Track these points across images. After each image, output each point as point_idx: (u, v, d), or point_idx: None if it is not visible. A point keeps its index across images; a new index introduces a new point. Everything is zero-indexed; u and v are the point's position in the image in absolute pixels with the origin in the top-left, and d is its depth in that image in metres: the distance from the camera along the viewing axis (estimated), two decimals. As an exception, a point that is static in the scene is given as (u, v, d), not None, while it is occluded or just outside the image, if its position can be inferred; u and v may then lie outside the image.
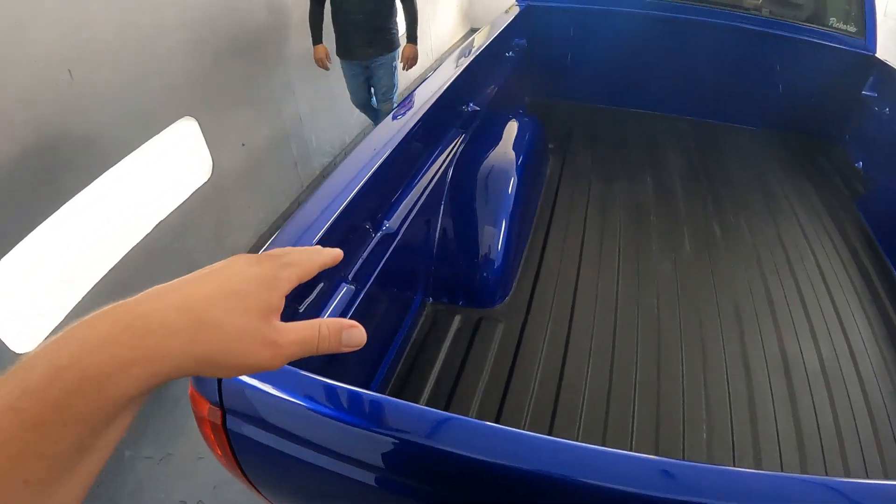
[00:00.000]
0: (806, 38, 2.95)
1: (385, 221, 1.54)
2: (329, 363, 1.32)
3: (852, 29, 2.96)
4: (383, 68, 3.54)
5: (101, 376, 0.32)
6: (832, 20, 2.98)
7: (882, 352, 1.90)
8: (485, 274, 1.86)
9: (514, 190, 1.96)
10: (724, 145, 3.08)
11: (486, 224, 1.89)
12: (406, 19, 3.53)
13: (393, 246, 1.54)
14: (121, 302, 0.35)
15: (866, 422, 1.64)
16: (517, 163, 2.06)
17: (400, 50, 3.61)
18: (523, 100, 3.24)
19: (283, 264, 0.43)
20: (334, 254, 0.50)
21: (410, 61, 3.60)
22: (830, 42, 2.95)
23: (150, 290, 0.37)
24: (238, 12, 3.17)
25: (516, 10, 2.95)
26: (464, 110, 2.14)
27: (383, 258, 1.50)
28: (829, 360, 1.83)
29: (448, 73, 2.00)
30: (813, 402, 1.68)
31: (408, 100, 1.83)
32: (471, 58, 2.14)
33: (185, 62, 2.81)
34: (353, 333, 0.44)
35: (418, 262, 1.82)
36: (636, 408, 1.60)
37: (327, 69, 3.53)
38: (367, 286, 1.42)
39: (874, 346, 1.91)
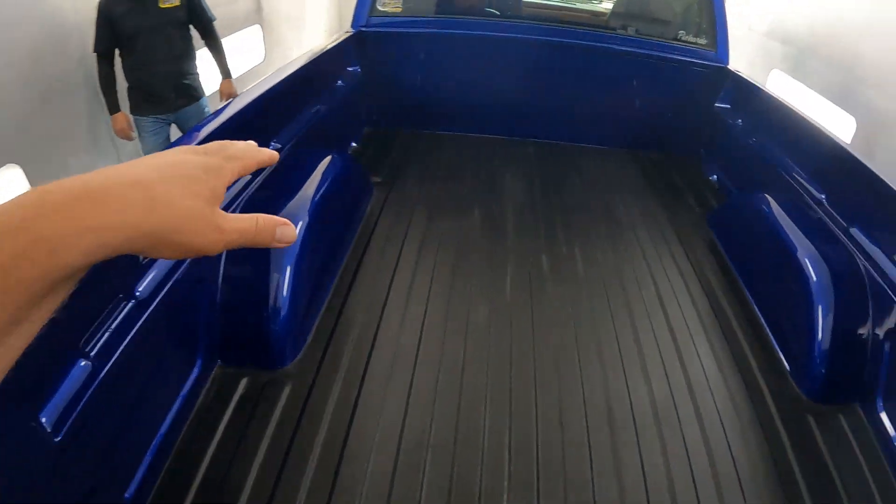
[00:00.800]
0: (657, 53, 2.89)
1: (139, 283, 1.35)
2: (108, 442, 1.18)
3: (703, 41, 2.93)
4: (195, 118, 3.23)
5: (55, 240, 0.31)
6: (681, 33, 2.95)
7: (727, 384, 1.75)
8: (271, 329, 1.67)
9: (303, 233, 1.78)
10: (570, 168, 2.95)
11: (272, 273, 1.71)
12: (214, 56, 3.27)
13: (153, 307, 1.34)
14: (72, 177, 0.34)
15: (706, 469, 1.48)
16: (312, 202, 1.87)
17: (211, 93, 3.30)
18: (360, 130, 3.06)
19: (227, 156, 0.44)
20: (271, 154, 0.49)
21: (231, 97, 3.29)
22: (682, 56, 2.91)
23: (101, 168, 0.37)
24: (70, 47, 2.94)
25: (345, 35, 2.80)
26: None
27: (138, 323, 1.30)
28: (662, 400, 1.67)
29: (236, 107, 1.84)
30: (640, 453, 1.51)
31: (185, 138, 1.66)
32: (262, 89, 1.97)
33: (8, 104, 2.59)
34: (286, 230, 0.45)
35: (196, 322, 1.61)
36: (425, 479, 1.40)
37: (131, 139, 3.12)
38: (115, 358, 1.23)
39: (718, 379, 1.76)
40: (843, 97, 4.05)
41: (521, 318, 1.91)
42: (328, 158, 2.12)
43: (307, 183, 1.96)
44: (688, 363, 1.81)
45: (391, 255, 2.17)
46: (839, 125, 4.01)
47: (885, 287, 1.71)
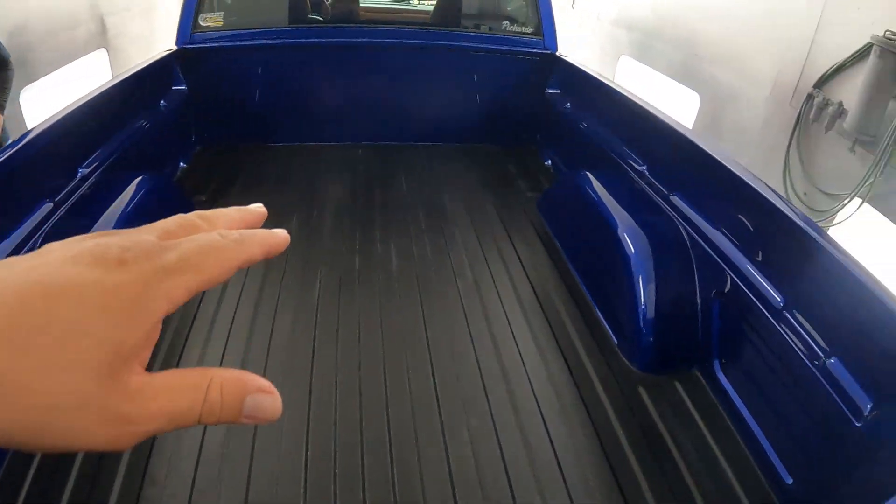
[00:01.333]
0: (486, 46, 2.98)
1: None
2: None
3: (529, 30, 3.04)
4: None
5: None
6: (506, 24, 3.05)
7: (548, 366, 1.71)
8: None
9: None
10: (398, 168, 2.96)
11: None
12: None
13: None
14: None
15: (520, 455, 1.44)
16: (113, 227, 1.79)
17: None
18: (191, 150, 2.98)
19: (167, 268, 0.25)
20: (269, 244, 0.31)
21: None
22: (511, 46, 3.01)
23: None
24: None
25: (165, 53, 2.71)
26: (59, 178, 1.89)
27: None
28: (471, 391, 1.61)
29: (35, 133, 1.74)
30: (445, 448, 1.44)
31: None
32: (63, 114, 1.86)
33: None
34: (263, 401, 0.26)
35: None
36: (222, 495, 1.37)
37: None
38: None
39: (537, 363, 1.72)
40: (687, 76, 4.31)
41: (328, 320, 1.88)
42: (137, 180, 2.05)
43: (111, 207, 1.88)
44: (503, 350, 1.77)
45: None
46: (684, 102, 4.26)
47: (708, 249, 1.70)
